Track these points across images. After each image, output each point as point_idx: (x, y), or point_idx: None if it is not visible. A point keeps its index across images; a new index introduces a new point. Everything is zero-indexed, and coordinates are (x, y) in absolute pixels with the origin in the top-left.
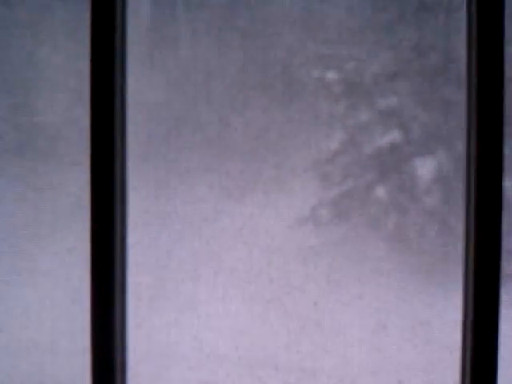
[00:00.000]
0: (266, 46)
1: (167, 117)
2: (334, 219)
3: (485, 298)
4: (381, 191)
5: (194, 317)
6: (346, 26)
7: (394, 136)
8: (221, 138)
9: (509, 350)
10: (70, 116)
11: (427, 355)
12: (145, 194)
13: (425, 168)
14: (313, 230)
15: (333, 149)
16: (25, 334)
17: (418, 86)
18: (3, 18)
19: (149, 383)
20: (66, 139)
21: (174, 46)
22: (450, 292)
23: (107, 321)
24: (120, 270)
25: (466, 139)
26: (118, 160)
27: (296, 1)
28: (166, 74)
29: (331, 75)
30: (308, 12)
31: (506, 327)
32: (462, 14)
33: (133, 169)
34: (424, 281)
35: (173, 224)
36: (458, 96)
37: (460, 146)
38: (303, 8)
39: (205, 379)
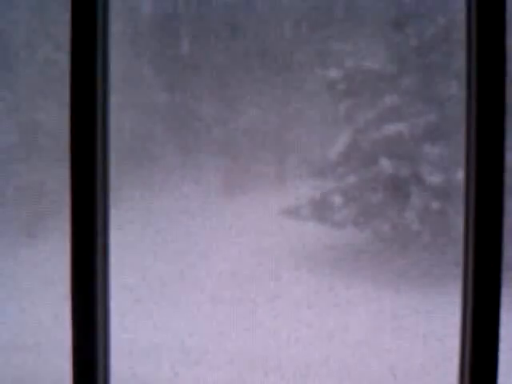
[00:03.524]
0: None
1: (152, 113)
2: (330, 220)
3: (484, 301)
4: (377, 194)
5: (181, 320)
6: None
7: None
8: (209, 134)
9: (510, 355)
10: (56, 114)
11: (425, 360)
12: (129, 191)
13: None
14: (307, 229)
15: (325, 148)
16: (6, 334)
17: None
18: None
19: None
20: (48, 136)
21: (164, 43)
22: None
23: (89, 322)
24: (102, 270)
25: (465, 140)
26: (100, 157)
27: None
28: (156, 71)
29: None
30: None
31: (507, 332)
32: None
33: (116, 166)
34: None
35: (158, 222)
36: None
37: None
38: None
39: None
